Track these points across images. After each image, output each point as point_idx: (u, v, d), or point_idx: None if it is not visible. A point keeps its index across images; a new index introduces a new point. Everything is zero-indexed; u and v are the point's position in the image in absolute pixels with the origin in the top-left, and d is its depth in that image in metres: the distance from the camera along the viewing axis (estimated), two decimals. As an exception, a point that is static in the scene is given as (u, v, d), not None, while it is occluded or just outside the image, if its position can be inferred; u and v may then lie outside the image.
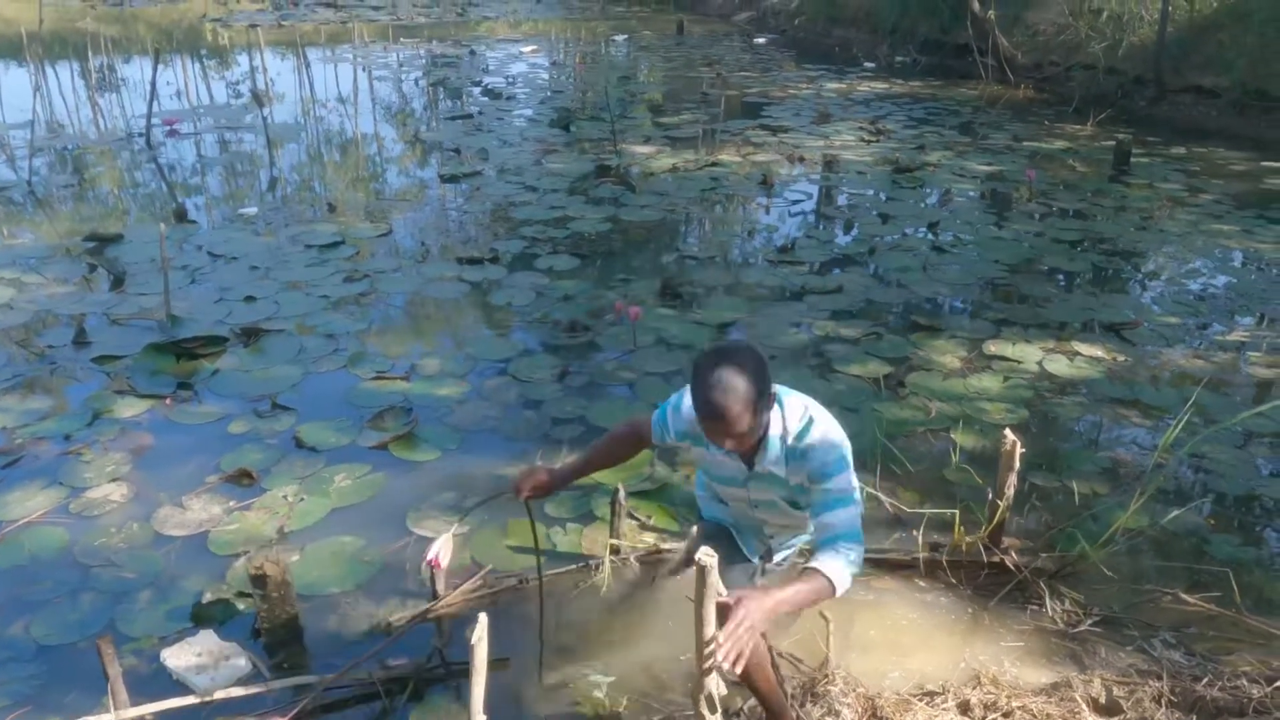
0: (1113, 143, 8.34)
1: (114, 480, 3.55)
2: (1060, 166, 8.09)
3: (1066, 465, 3.69)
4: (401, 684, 2.60)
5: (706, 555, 1.53)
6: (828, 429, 2.00)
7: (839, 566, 1.82)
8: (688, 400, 1.98)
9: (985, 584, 3.03)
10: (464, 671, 2.65)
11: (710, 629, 1.61)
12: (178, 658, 2.67)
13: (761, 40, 15.78)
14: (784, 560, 2.43)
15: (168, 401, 4.13)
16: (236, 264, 5.70)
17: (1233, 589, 2.92)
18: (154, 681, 2.59)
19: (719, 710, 1.67)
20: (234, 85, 12.08)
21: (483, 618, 1.56)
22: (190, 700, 2.45)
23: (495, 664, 2.71)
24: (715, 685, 1.65)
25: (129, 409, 4.06)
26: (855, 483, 1.98)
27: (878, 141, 8.93)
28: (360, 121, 10.23)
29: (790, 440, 1.97)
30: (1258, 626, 2.82)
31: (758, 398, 1.79)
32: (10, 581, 3.02)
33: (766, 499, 2.15)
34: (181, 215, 6.56)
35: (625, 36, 16.42)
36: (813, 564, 1.85)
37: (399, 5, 20.05)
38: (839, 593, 1.82)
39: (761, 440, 1.99)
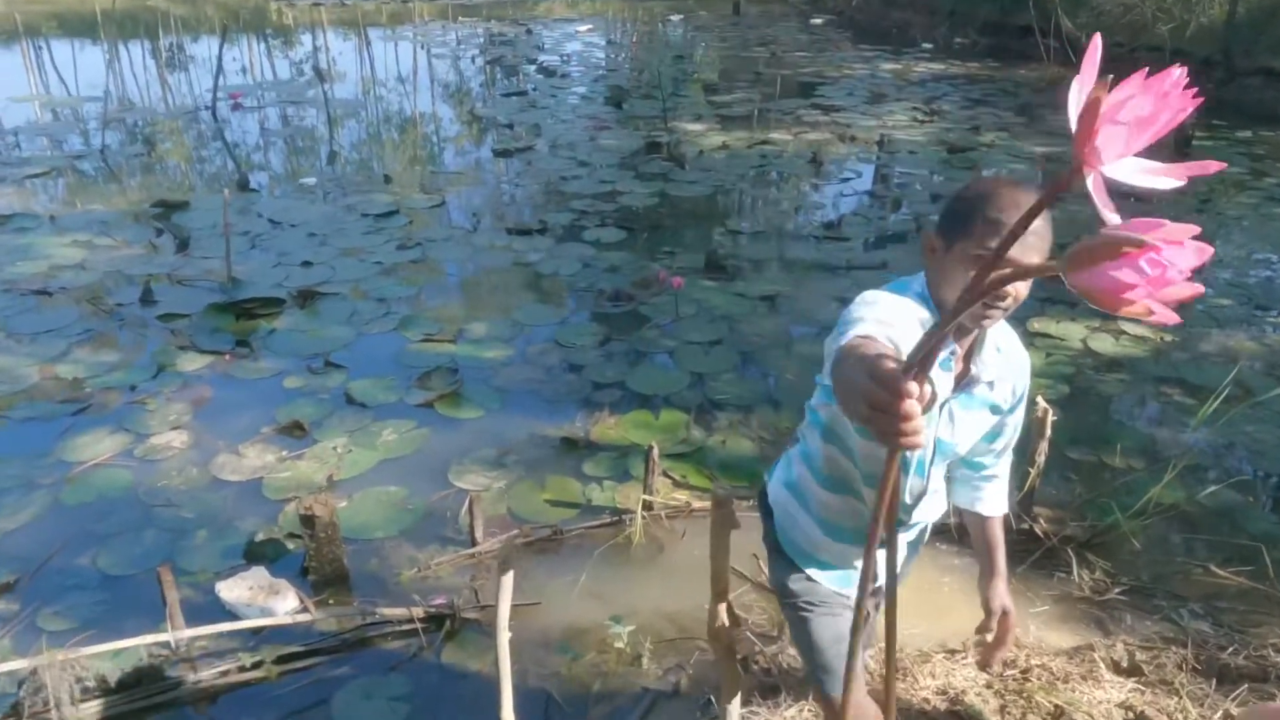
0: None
1: (175, 428, 3.73)
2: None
3: (1104, 440, 3.68)
4: (438, 622, 2.72)
5: (719, 489, 1.60)
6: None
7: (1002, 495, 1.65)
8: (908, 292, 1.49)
9: (1015, 550, 3.03)
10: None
11: (727, 558, 1.68)
12: (231, 590, 2.82)
13: (818, 21, 15.65)
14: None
15: (227, 357, 4.32)
16: (295, 231, 5.89)
17: (1266, 563, 2.92)
18: (208, 611, 2.74)
19: (731, 640, 1.75)
20: (297, 63, 12.39)
21: (509, 556, 1.65)
22: (241, 625, 2.60)
23: (526, 607, 2.84)
24: (725, 615, 1.73)
25: (191, 363, 4.25)
26: None
27: (931, 122, 8.85)
28: (418, 98, 10.42)
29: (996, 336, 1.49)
30: (1292, 601, 2.81)
31: None
32: (80, 517, 3.21)
33: (964, 438, 1.56)
34: (244, 185, 6.78)
35: (681, 16, 16.40)
36: (987, 510, 1.70)
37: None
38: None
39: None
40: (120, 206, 6.44)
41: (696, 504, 3.23)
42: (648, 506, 3.14)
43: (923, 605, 2.83)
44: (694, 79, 10.95)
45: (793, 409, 3.92)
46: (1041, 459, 2.95)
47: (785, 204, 6.77)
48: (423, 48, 13.12)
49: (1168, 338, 4.55)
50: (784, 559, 1.74)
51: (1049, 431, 2.91)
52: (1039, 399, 2.93)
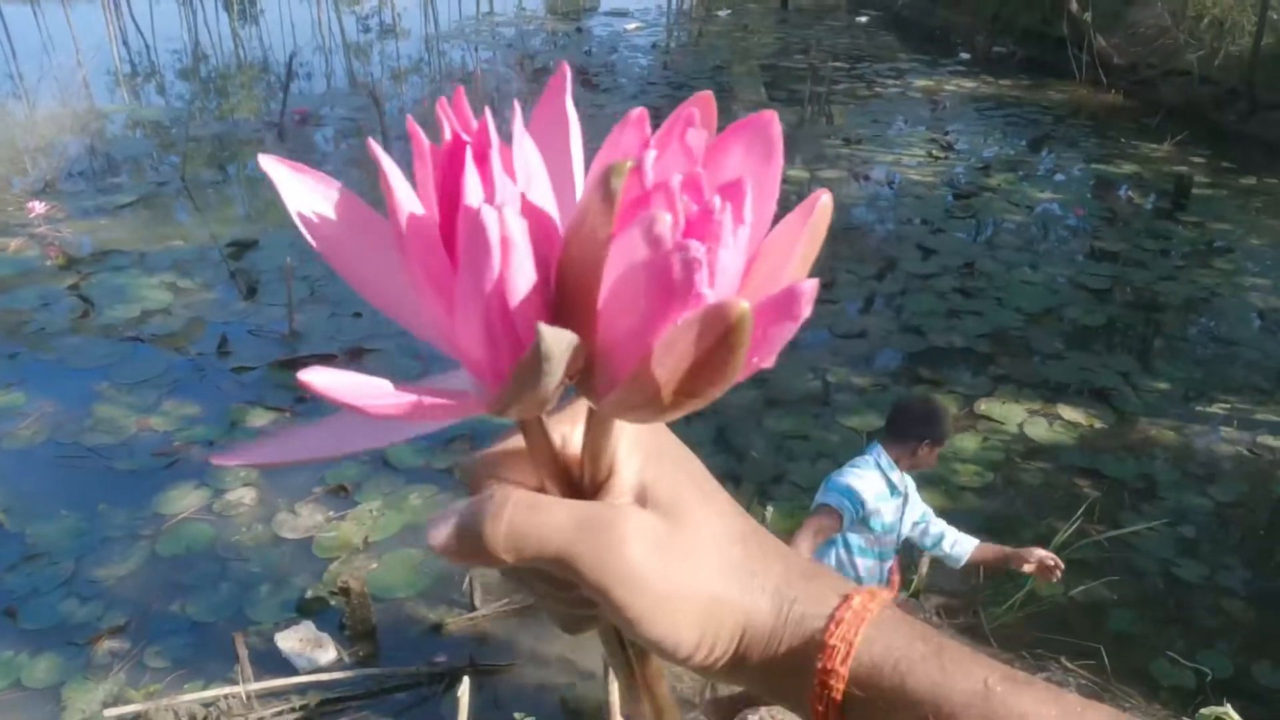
0: (1184, 169, 8.53)
1: (246, 485, 4.61)
2: (1118, 198, 8.36)
3: (1013, 532, 4.35)
4: (441, 677, 3.57)
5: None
6: None
7: None
8: (870, 463, 2.81)
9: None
10: (486, 670, 3.60)
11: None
12: (286, 640, 3.69)
13: (863, 19, 15.90)
14: None
15: (288, 414, 5.18)
16: (348, 276, 6.70)
17: (1104, 665, 3.60)
18: (270, 657, 3.62)
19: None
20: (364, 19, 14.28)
21: (466, 680, 2.45)
22: (294, 680, 3.48)
23: (505, 667, 3.66)
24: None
25: (258, 419, 5.12)
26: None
27: (946, 159, 9.31)
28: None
29: None
30: (1121, 695, 3.51)
31: None
32: (171, 567, 4.11)
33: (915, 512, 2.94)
34: (305, 221, 7.62)
35: (729, 11, 16.76)
36: (968, 546, 3.04)
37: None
38: None
39: None
40: (200, 241, 7.31)
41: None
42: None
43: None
44: (731, 98, 11.47)
45: (752, 485, 4.65)
46: (924, 569, 3.66)
47: (789, 254, 7.38)
48: (475, 49, 13.80)
49: (1097, 424, 5.15)
50: None
51: (929, 550, 3.61)
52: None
